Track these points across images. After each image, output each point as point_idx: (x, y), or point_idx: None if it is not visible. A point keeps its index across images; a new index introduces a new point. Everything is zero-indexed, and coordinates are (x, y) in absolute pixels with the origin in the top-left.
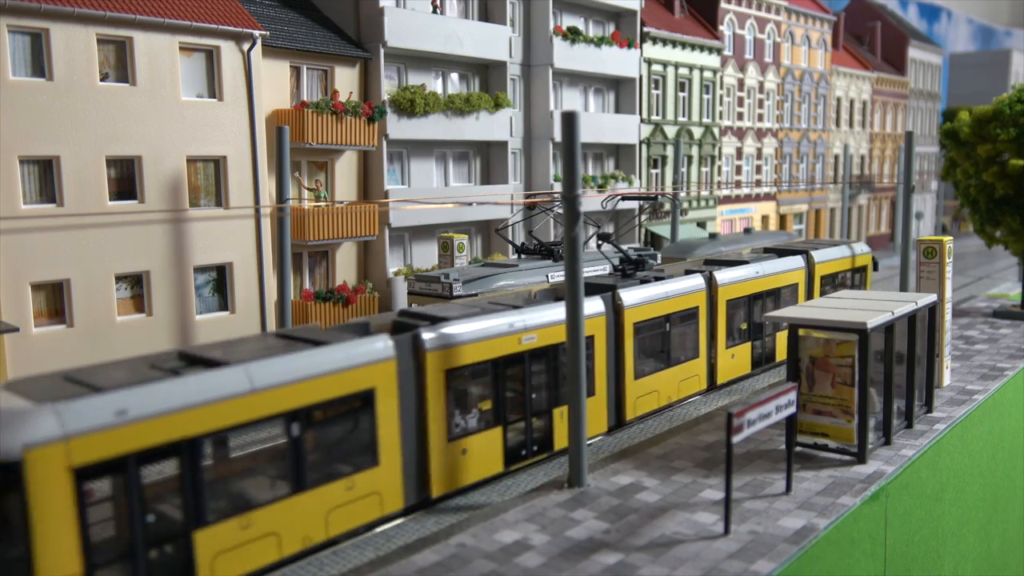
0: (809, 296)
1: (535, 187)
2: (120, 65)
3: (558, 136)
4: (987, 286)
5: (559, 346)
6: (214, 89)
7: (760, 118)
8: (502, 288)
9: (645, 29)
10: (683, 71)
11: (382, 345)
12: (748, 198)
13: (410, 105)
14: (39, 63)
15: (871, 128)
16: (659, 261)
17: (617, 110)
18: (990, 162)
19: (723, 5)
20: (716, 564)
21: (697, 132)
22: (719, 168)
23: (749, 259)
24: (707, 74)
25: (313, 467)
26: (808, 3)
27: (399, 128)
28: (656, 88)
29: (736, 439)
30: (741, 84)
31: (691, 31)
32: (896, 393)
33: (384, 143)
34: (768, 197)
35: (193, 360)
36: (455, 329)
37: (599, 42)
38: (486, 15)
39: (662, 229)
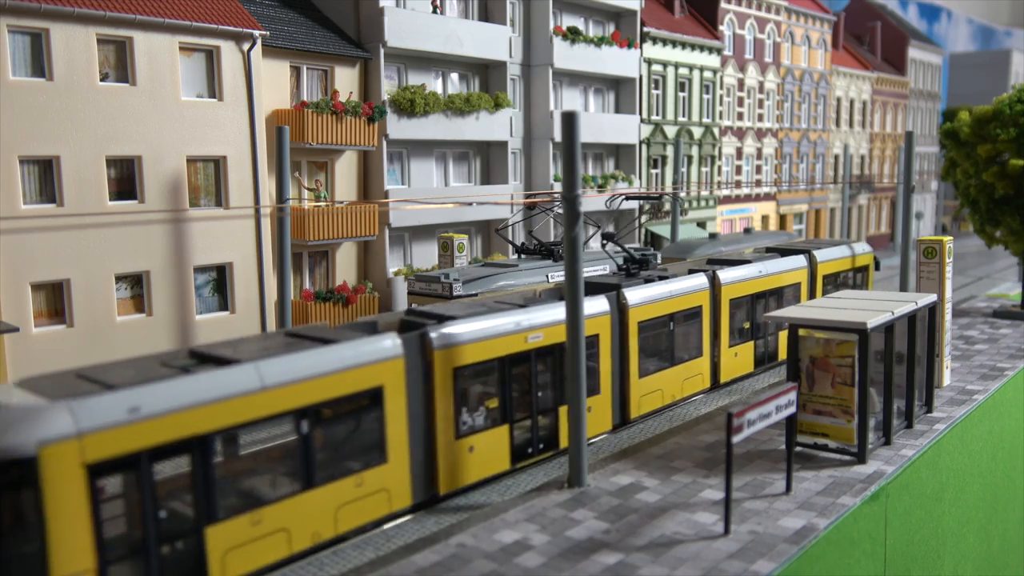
0: (812, 296)
1: (535, 187)
2: (120, 65)
3: (558, 136)
4: (987, 286)
5: (564, 345)
6: (214, 89)
7: (760, 118)
8: (502, 288)
9: (645, 29)
10: (683, 71)
11: (390, 343)
12: (748, 198)
13: (410, 105)
14: (39, 63)
15: (871, 128)
16: (659, 261)
17: (617, 110)
18: (990, 162)
19: (723, 5)
20: (716, 564)
21: (697, 132)
22: (719, 168)
23: (752, 258)
24: (707, 74)
25: (322, 464)
26: (808, 3)
27: (399, 128)
28: (656, 88)
29: (736, 439)
30: (741, 84)
31: (691, 31)
32: (896, 393)
33: (384, 143)
34: (768, 197)
35: (204, 358)
36: (462, 328)
37: (599, 42)
38: (486, 15)
39: (662, 229)
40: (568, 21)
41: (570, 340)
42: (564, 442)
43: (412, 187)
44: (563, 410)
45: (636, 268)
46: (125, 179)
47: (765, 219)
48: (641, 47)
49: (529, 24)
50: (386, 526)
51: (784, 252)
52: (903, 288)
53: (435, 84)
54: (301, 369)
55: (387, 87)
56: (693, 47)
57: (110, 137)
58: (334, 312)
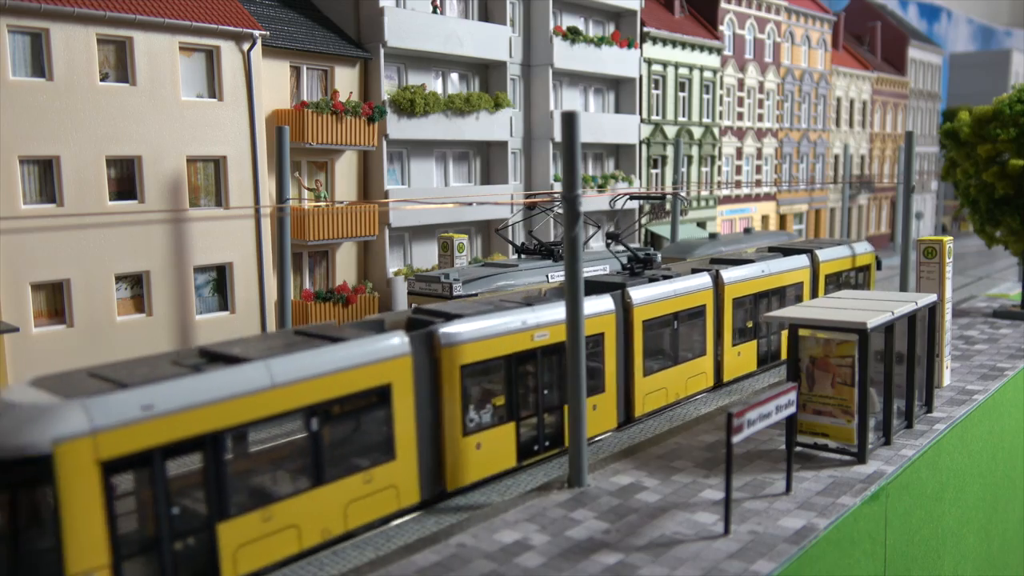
0: (814, 295)
1: (535, 187)
2: (120, 65)
3: (558, 136)
4: (987, 286)
5: None
6: (214, 89)
7: (760, 118)
8: (502, 288)
9: (645, 29)
10: (683, 71)
11: (398, 341)
12: (748, 198)
13: (410, 105)
14: (39, 63)
15: (871, 128)
16: (659, 261)
17: (617, 110)
18: (990, 162)
19: (723, 5)
20: (716, 564)
21: (697, 132)
22: (719, 168)
23: (755, 258)
24: (707, 74)
25: (332, 461)
26: (808, 3)
27: (399, 128)
28: (656, 88)
29: (736, 439)
30: (741, 84)
31: (691, 31)
32: (896, 393)
33: (384, 143)
34: (768, 197)
35: (214, 356)
36: (469, 326)
37: (599, 42)
38: (486, 15)
39: (662, 229)
40: (568, 21)
41: (570, 340)
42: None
43: (412, 187)
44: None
45: (640, 267)
46: (125, 179)
47: (765, 219)
48: (641, 47)
49: (529, 24)
50: (394, 523)
51: (787, 252)
52: (903, 288)
53: (435, 84)
54: (310, 367)
55: (387, 87)
56: (693, 47)
57: (110, 137)
58: (334, 312)
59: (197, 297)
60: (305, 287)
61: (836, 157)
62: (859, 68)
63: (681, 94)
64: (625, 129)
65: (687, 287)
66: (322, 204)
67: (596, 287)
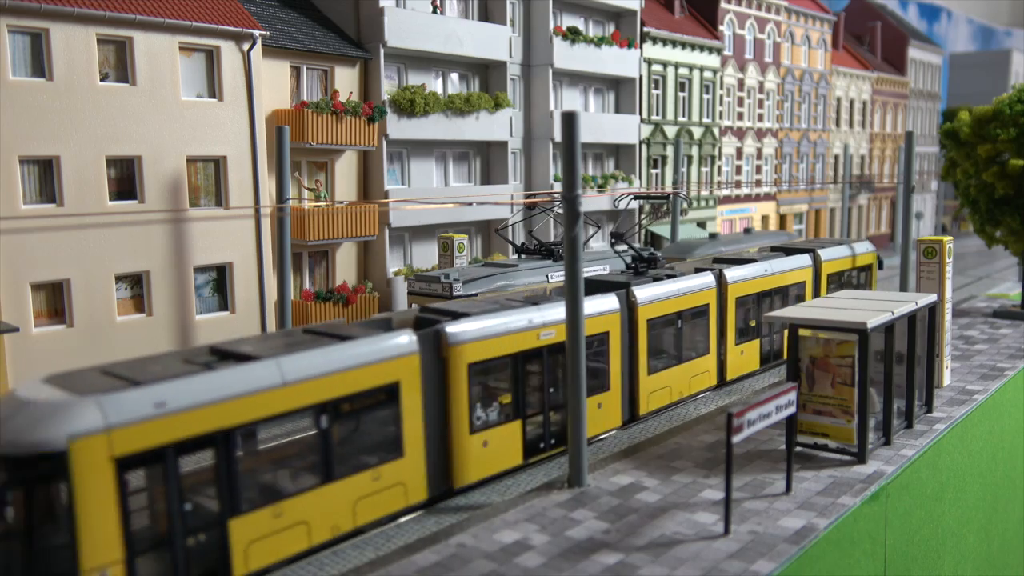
0: (816, 295)
1: (535, 187)
2: (120, 65)
3: (558, 136)
4: (987, 286)
5: None
6: (214, 89)
7: (760, 118)
8: (502, 288)
9: (645, 29)
10: (683, 71)
11: (406, 340)
12: (748, 198)
13: (410, 105)
14: (39, 63)
15: (871, 128)
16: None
17: (617, 110)
18: (990, 162)
19: (723, 5)
20: (716, 564)
21: (697, 132)
22: (719, 168)
23: (758, 257)
24: (707, 74)
25: (341, 458)
26: (808, 3)
27: (399, 128)
28: (656, 88)
29: (736, 439)
30: (741, 84)
31: (691, 31)
32: (896, 393)
33: (384, 143)
34: (768, 197)
35: (225, 355)
36: (476, 325)
37: (599, 42)
38: (486, 15)
39: (662, 229)
40: (568, 21)
41: (570, 340)
42: None
43: (412, 187)
44: None
45: (644, 266)
46: (125, 179)
47: (765, 219)
48: (641, 47)
49: (529, 24)
50: (401, 520)
51: (789, 251)
52: (903, 288)
53: (435, 84)
54: (320, 365)
55: (387, 87)
56: (693, 47)
57: (110, 137)
58: (334, 312)
59: (197, 297)
60: (305, 287)
61: (836, 157)
62: (859, 68)
63: (681, 94)
64: (625, 129)
65: (691, 286)
66: (322, 204)
67: (601, 286)
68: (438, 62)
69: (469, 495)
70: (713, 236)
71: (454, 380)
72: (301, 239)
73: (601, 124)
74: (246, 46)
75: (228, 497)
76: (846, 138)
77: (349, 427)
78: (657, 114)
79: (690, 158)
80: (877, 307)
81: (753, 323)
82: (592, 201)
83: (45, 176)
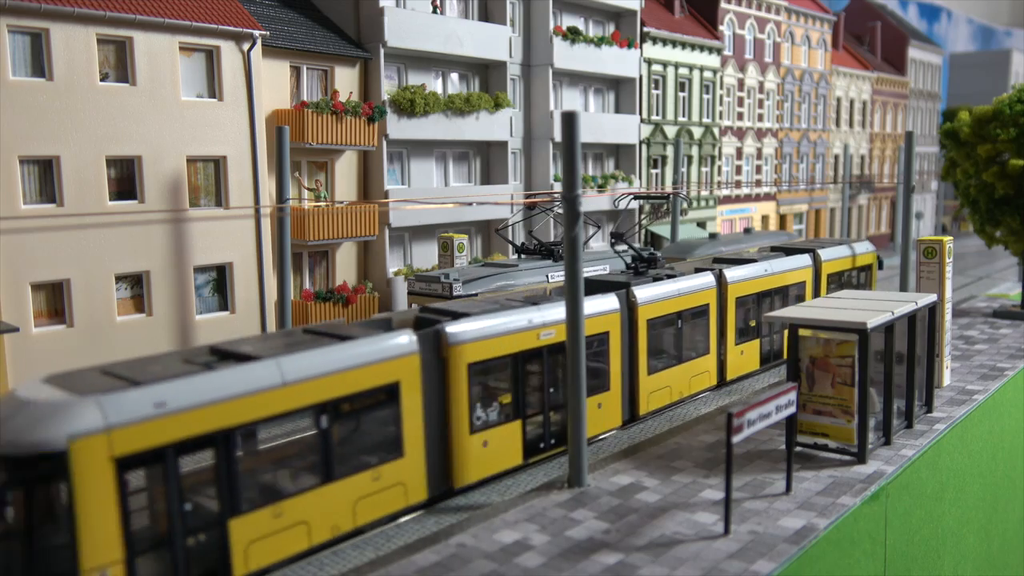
0: (816, 294)
1: (535, 187)
2: (120, 65)
3: (558, 136)
4: (987, 286)
5: None
6: (214, 89)
7: (760, 118)
8: (502, 288)
9: (645, 29)
10: (683, 71)
11: (406, 340)
12: (748, 198)
13: (410, 105)
14: (39, 63)
15: (871, 128)
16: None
17: (617, 110)
18: (990, 162)
19: (723, 5)
20: (716, 564)
21: (697, 132)
22: (719, 168)
23: (758, 257)
24: (707, 74)
25: (341, 458)
26: (808, 3)
27: (399, 128)
28: (656, 88)
29: (736, 439)
30: (741, 84)
31: (691, 31)
32: (896, 393)
33: (384, 143)
34: (768, 197)
35: (225, 355)
36: (476, 325)
37: (599, 42)
38: (486, 15)
39: (662, 229)
40: (568, 21)
41: (570, 340)
42: None
43: (412, 187)
44: None
45: (644, 266)
46: (125, 179)
47: (765, 219)
48: (641, 47)
49: (529, 24)
50: (401, 520)
51: (789, 251)
52: (903, 288)
53: (435, 84)
54: (320, 365)
55: (387, 87)
56: (693, 47)
57: (110, 137)
58: (334, 312)
59: (197, 297)
60: (305, 287)
61: (836, 157)
62: (859, 68)
63: (681, 94)
64: (625, 129)
65: (691, 286)
66: (322, 204)
67: (601, 286)
68: (438, 62)
69: (469, 495)
70: (713, 236)
71: (454, 380)
72: (301, 239)
73: (601, 124)
74: (246, 46)
75: (228, 497)
76: (846, 138)
77: (349, 427)
78: (657, 114)
79: (690, 158)
80: (877, 307)
81: (753, 323)
82: (592, 201)
83: (45, 176)
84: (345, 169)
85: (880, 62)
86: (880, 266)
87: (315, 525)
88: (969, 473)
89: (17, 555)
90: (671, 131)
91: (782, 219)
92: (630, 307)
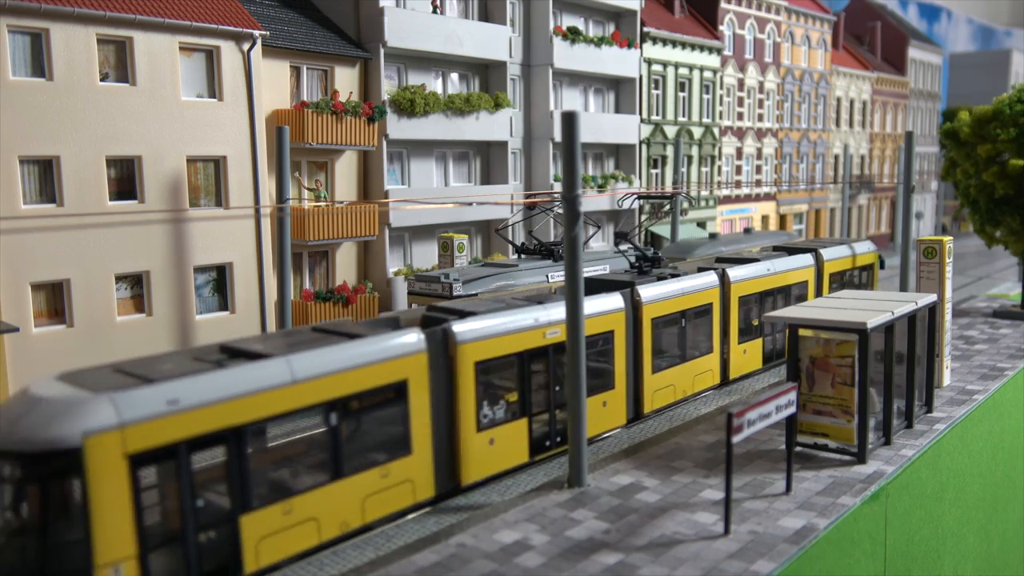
0: (819, 294)
1: (535, 187)
2: (120, 65)
3: (558, 136)
4: (987, 286)
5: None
6: (214, 89)
7: (760, 118)
8: (502, 288)
9: (645, 29)
10: (683, 71)
11: (415, 338)
12: (748, 198)
13: (410, 105)
14: (39, 63)
15: (871, 128)
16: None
17: (617, 110)
18: (990, 162)
19: (723, 5)
20: (716, 564)
21: (697, 132)
22: (719, 168)
23: (760, 257)
24: (707, 74)
25: (350, 455)
26: (808, 3)
27: (399, 128)
28: (656, 88)
29: (736, 439)
30: (741, 84)
31: (691, 31)
32: (896, 393)
33: (384, 143)
34: (768, 197)
35: (235, 353)
36: (483, 323)
37: (599, 42)
38: (486, 15)
39: (662, 229)
40: (568, 21)
41: (570, 340)
42: None
43: (412, 187)
44: None
45: (648, 266)
46: (125, 179)
47: (765, 219)
48: (641, 47)
49: (529, 24)
50: (409, 516)
51: (791, 251)
52: (903, 288)
53: (435, 84)
54: (330, 363)
55: (387, 87)
56: (693, 47)
57: (110, 137)
58: (334, 312)
59: (197, 297)
60: (305, 287)
61: (836, 157)
62: (859, 68)
63: (681, 94)
64: (625, 129)
65: (694, 286)
66: (322, 204)
67: (605, 285)
68: (438, 62)
69: (469, 495)
70: (713, 236)
71: (461, 378)
72: (301, 239)
73: (601, 124)
74: (246, 46)
75: (239, 493)
76: (846, 138)
77: (358, 424)
78: (657, 114)
79: (690, 158)
80: (877, 307)
81: (756, 322)
82: (592, 201)
83: (45, 176)
84: (345, 169)
85: (880, 62)
86: (882, 265)
87: (325, 522)
88: (969, 473)
89: (32, 550)
90: (671, 131)
91: (782, 219)
92: (635, 306)
